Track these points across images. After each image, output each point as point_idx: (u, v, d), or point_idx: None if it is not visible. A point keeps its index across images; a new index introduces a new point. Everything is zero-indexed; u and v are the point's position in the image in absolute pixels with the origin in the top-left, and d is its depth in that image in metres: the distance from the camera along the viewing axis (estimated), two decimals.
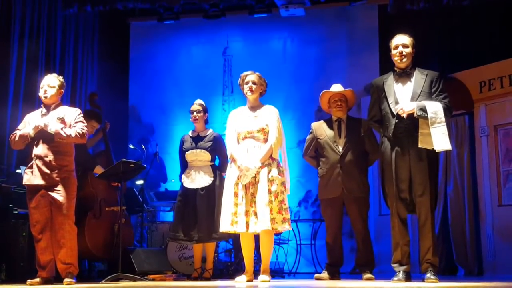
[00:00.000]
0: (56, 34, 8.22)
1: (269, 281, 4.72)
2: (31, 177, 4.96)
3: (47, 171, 4.92)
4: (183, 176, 5.87)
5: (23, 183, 5.06)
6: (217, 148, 5.81)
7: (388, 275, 5.02)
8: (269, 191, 4.69)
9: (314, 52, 9.20)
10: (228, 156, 4.99)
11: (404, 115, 4.62)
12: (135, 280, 5.39)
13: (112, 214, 6.06)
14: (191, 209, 5.72)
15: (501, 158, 6.79)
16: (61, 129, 4.94)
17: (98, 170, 5.95)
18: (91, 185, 5.98)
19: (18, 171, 6.29)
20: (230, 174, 4.87)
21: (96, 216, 5.97)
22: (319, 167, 5.66)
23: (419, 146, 4.59)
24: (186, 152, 5.83)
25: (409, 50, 4.78)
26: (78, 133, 4.99)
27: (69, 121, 5.05)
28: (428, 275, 4.51)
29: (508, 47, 7.18)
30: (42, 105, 5.17)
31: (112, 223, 6.04)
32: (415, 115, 4.58)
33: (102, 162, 6.15)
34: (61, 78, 5.20)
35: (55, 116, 5.04)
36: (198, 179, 5.76)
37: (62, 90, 5.18)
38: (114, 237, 5.97)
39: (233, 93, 9.36)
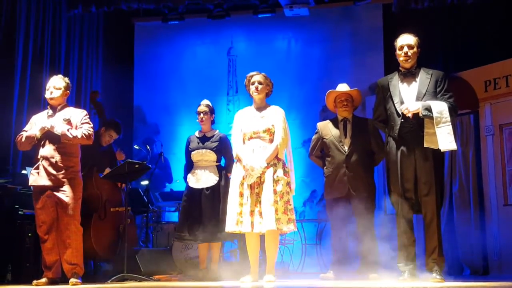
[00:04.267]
0: (61, 35, 8.23)
1: (275, 281, 4.72)
2: (37, 177, 4.98)
3: (53, 172, 4.94)
4: (188, 175, 5.88)
5: (29, 184, 5.09)
6: (223, 149, 5.82)
7: (393, 274, 5.01)
8: (275, 191, 4.69)
9: (318, 52, 9.19)
10: (234, 156, 5.00)
11: (410, 115, 4.62)
12: (140, 280, 5.40)
13: (117, 214, 6.06)
14: (196, 209, 5.73)
15: (507, 157, 6.78)
16: (67, 130, 4.96)
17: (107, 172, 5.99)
18: (95, 185, 5.98)
19: (24, 172, 6.31)
20: (236, 174, 4.88)
21: (101, 217, 5.98)
22: (325, 167, 5.66)
23: (425, 145, 4.60)
24: (192, 152, 5.84)
25: (414, 50, 4.78)
26: (84, 134, 5.01)
27: (75, 122, 5.07)
28: (434, 274, 4.52)
29: None
30: (48, 106, 5.19)
31: (117, 224, 6.05)
32: (420, 114, 4.58)
33: (106, 161, 6.16)
34: (66, 79, 5.23)
35: (61, 117, 5.06)
36: (203, 179, 5.77)
37: (68, 91, 5.21)
38: (119, 238, 5.98)
39: (237, 93, 9.37)
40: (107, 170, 5.99)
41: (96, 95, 6.44)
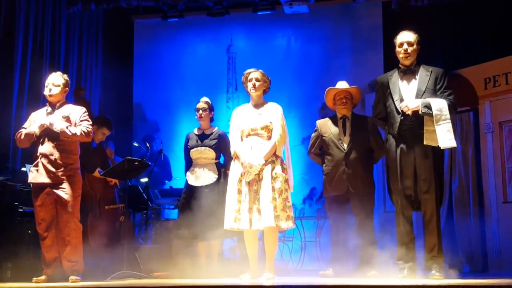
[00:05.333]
0: (61, 32, 8.23)
1: (274, 278, 4.72)
2: (37, 175, 4.98)
3: (53, 169, 4.94)
4: (187, 173, 5.88)
5: (29, 181, 5.08)
6: (222, 146, 5.81)
7: (393, 272, 5.01)
8: (273, 188, 4.69)
9: (318, 50, 9.19)
10: (232, 153, 4.99)
11: (409, 112, 4.62)
12: (140, 277, 5.40)
13: (112, 212, 6.04)
14: (195, 207, 5.73)
15: (506, 154, 6.78)
16: (67, 127, 4.96)
17: (97, 173, 5.96)
18: (88, 185, 5.91)
19: (23, 169, 6.30)
20: (234, 171, 4.88)
21: (97, 216, 5.96)
22: (324, 165, 5.66)
23: (425, 143, 4.59)
24: (191, 150, 5.84)
25: (414, 47, 4.78)
26: (83, 131, 5.01)
27: (74, 120, 5.07)
28: (433, 271, 4.52)
29: None
30: (47, 104, 5.18)
31: (113, 222, 6.04)
32: (420, 112, 4.58)
33: (97, 159, 6.14)
34: (65, 76, 5.22)
35: (61, 115, 5.06)
36: (202, 177, 5.77)
37: (67, 88, 5.20)
38: (116, 235, 5.97)
39: (237, 90, 9.37)
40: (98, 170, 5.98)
41: (80, 91, 6.40)
